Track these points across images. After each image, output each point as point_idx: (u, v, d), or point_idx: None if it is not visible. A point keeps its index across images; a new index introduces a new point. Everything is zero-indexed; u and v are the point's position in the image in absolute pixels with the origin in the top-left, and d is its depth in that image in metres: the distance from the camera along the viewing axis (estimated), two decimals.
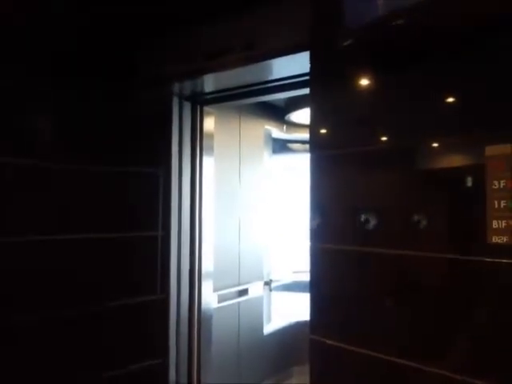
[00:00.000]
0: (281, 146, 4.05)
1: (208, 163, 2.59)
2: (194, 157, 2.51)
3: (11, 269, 1.86)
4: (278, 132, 3.80)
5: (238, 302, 3.19)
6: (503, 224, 1.17)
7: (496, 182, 1.20)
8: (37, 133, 1.96)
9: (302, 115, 3.51)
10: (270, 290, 3.75)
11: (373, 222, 1.49)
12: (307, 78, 1.79)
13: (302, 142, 4.04)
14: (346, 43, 1.55)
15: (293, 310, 3.94)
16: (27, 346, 1.90)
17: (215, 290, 2.75)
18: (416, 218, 1.38)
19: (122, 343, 2.21)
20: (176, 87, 2.32)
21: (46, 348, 1.95)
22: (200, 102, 2.51)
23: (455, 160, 1.37)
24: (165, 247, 2.39)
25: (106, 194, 2.18)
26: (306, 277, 3.83)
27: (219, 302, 2.90)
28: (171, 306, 2.39)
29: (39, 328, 1.93)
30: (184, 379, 2.44)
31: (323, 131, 1.68)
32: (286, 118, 3.68)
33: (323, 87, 1.66)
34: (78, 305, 2.06)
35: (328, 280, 1.62)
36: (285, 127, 3.83)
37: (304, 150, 4.05)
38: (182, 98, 2.43)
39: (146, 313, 2.33)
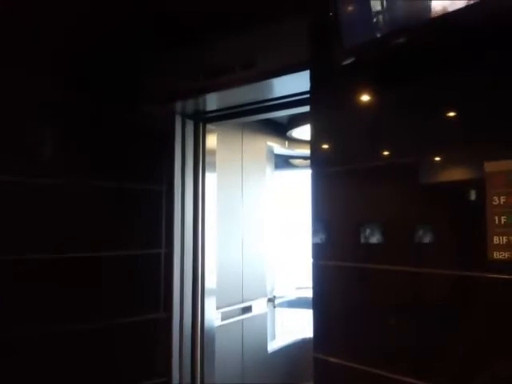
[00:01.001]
0: (283, 162, 4.07)
1: (210, 180, 2.60)
2: (196, 174, 2.53)
3: (15, 285, 1.87)
4: (280, 148, 3.82)
5: (242, 320, 3.17)
6: (504, 240, 1.17)
7: (496, 198, 1.20)
8: (39, 148, 1.99)
9: (304, 131, 3.53)
10: (274, 307, 3.72)
11: (374, 239, 1.49)
12: (308, 95, 1.82)
13: (304, 157, 4.06)
14: (345, 62, 1.57)
15: (297, 326, 3.90)
16: (29, 362, 1.89)
17: (218, 307, 2.73)
18: (418, 234, 1.38)
19: (124, 361, 2.19)
20: (178, 106, 2.36)
21: (48, 364, 1.94)
22: (202, 120, 2.54)
23: (456, 175, 1.38)
24: (168, 265, 2.39)
25: (107, 211, 2.19)
26: (309, 293, 3.79)
27: (222, 319, 2.88)
28: (174, 324, 2.37)
29: (40, 344, 1.93)
30: None
31: (324, 148, 1.70)
32: (288, 134, 3.71)
33: (323, 105, 1.68)
34: (80, 322, 2.05)
35: (331, 297, 1.62)
36: (287, 143, 3.85)
37: (306, 166, 4.06)
38: (185, 116, 2.46)
39: (149, 331, 2.32)
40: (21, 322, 1.88)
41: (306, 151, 3.87)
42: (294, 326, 3.93)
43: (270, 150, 3.76)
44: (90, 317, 2.09)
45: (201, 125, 2.54)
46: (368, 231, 1.51)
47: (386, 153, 1.53)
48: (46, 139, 2.01)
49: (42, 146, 1.98)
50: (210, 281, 2.56)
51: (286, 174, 4.15)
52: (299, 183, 4.13)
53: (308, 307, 3.70)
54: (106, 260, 2.17)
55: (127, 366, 2.20)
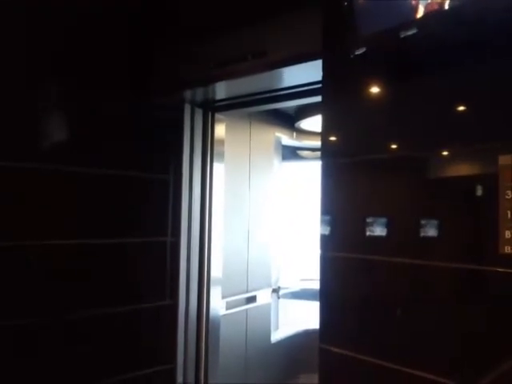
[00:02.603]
0: (291, 153, 4.05)
1: (218, 170, 2.60)
2: (204, 163, 2.53)
3: (21, 272, 1.88)
4: (287, 139, 3.80)
5: (246, 309, 3.18)
6: None
7: (509, 192, 1.19)
8: (50, 137, 1.99)
9: (313, 122, 3.51)
10: (278, 298, 3.73)
11: (384, 231, 1.49)
12: (319, 85, 1.80)
13: (312, 149, 4.04)
14: (358, 51, 1.55)
15: (301, 317, 3.91)
16: (37, 350, 1.91)
17: (223, 296, 2.74)
18: (428, 227, 1.37)
19: (130, 348, 2.22)
20: (188, 94, 2.35)
21: (54, 352, 1.97)
22: (212, 109, 2.53)
23: (468, 169, 1.37)
24: (174, 253, 2.40)
25: (114, 199, 2.20)
26: (314, 285, 3.81)
27: (227, 308, 2.90)
28: (180, 311, 2.39)
29: (46, 331, 1.95)
30: None
31: (335, 139, 1.68)
32: (296, 125, 3.69)
33: (335, 95, 1.67)
34: (86, 309, 2.07)
35: (338, 288, 1.62)
36: (295, 134, 3.84)
37: (314, 158, 4.05)
38: (194, 104, 2.46)
39: (155, 318, 2.34)
40: (28, 309, 1.90)
41: (314, 143, 3.87)
42: (298, 317, 3.95)
43: (278, 141, 3.75)
44: (95, 303, 2.11)
45: (210, 114, 2.54)
46: (377, 223, 1.50)
47: (397, 146, 1.51)
48: (53, 126, 2.01)
49: (47, 132, 1.98)
50: (216, 270, 2.57)
51: (294, 165, 4.13)
52: (306, 175, 4.12)
53: (312, 299, 3.73)
54: (113, 247, 2.18)
55: (133, 353, 2.23)
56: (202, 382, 2.48)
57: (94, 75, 2.11)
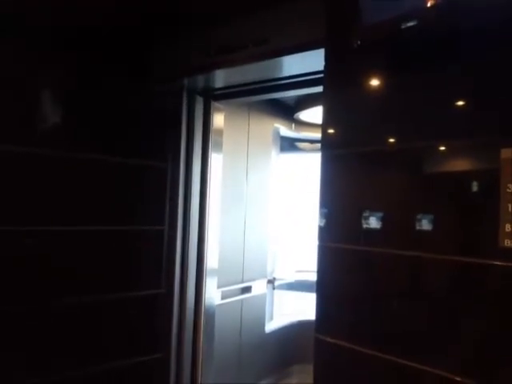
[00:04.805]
0: (289, 145, 4.03)
1: (216, 159, 2.58)
2: (204, 152, 2.51)
3: (17, 257, 1.87)
4: (286, 130, 3.78)
5: (241, 300, 3.19)
6: None
7: (510, 186, 1.18)
8: (51, 123, 1.97)
9: (311, 114, 3.49)
10: (273, 289, 3.74)
11: (383, 222, 1.48)
12: (320, 75, 1.78)
13: (311, 140, 4.03)
14: (361, 41, 1.54)
15: (295, 308, 3.93)
16: (30, 336, 1.91)
17: (219, 286, 2.74)
18: (428, 219, 1.36)
19: (123, 336, 2.21)
20: (186, 81, 2.32)
21: (48, 337, 1.96)
22: (211, 98, 2.50)
23: (469, 162, 1.36)
24: (170, 242, 2.39)
25: (110, 186, 2.19)
26: (309, 276, 3.81)
27: (222, 298, 2.90)
28: (175, 300, 2.39)
29: (40, 318, 1.94)
30: (186, 373, 2.44)
31: (335, 129, 1.67)
32: (295, 116, 3.67)
33: (337, 85, 1.65)
34: (81, 295, 2.06)
35: (335, 279, 1.62)
36: (293, 126, 3.82)
37: (312, 149, 4.03)
38: (194, 92, 2.43)
39: (150, 306, 2.34)
40: (24, 296, 1.89)
41: (313, 134, 3.85)
42: (292, 308, 3.97)
43: (277, 132, 3.73)
44: (91, 290, 2.10)
45: (208, 102, 2.51)
46: (377, 214, 1.49)
47: (399, 138, 1.50)
48: (51, 111, 1.98)
49: (46, 118, 1.96)
50: (212, 260, 2.57)
51: (291, 157, 4.12)
52: (304, 167, 4.11)
53: (307, 290, 3.74)
54: (108, 234, 2.17)
55: (126, 340, 2.23)
56: (199, 370, 2.48)
57: (94, 62, 2.08)
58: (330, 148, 1.66)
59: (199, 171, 2.49)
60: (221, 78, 2.26)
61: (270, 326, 3.60)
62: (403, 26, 1.44)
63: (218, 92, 2.45)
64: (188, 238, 2.45)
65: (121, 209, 2.22)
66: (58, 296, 1.99)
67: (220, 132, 2.61)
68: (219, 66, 2.05)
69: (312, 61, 1.80)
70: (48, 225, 1.95)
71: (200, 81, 2.31)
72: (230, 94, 2.41)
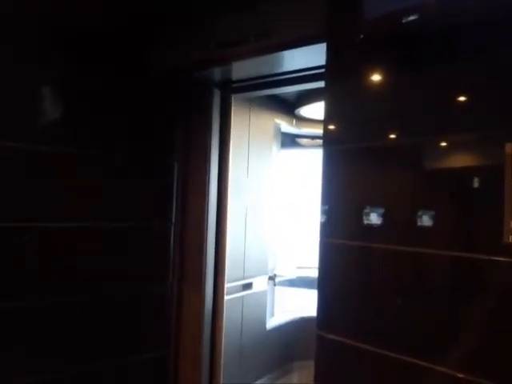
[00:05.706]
0: (290, 141, 4.01)
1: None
2: (205, 147, 2.50)
3: (22, 253, 1.87)
4: (287, 126, 3.76)
5: (242, 296, 3.18)
6: None
7: None
8: (49, 116, 1.95)
9: (312, 110, 3.47)
10: (274, 285, 3.73)
11: (385, 219, 1.47)
12: (321, 70, 1.77)
13: (312, 136, 4.01)
14: (363, 35, 1.52)
15: (296, 305, 3.93)
16: (29, 335, 1.90)
17: None
18: (431, 215, 1.35)
19: (129, 331, 2.21)
20: (197, 74, 2.29)
21: (60, 330, 1.97)
22: (222, 91, 2.48)
23: (472, 157, 1.35)
24: (176, 238, 2.41)
25: (119, 181, 2.19)
26: (310, 272, 3.79)
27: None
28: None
29: (48, 313, 1.94)
30: (189, 369, 2.43)
31: (337, 125, 1.66)
32: (296, 112, 3.65)
33: (339, 80, 1.64)
34: (88, 291, 2.07)
35: (336, 275, 1.61)
36: (294, 121, 3.79)
37: (313, 145, 4.01)
38: (196, 86, 2.41)
39: (156, 302, 2.34)
40: (32, 291, 1.90)
41: (314, 130, 3.83)
42: (293, 305, 3.96)
43: (277, 128, 3.70)
44: (98, 285, 2.11)
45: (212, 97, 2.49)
46: (379, 210, 1.48)
47: (401, 133, 1.49)
48: (58, 107, 1.97)
49: (52, 114, 1.95)
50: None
51: (292, 153, 4.10)
52: (305, 163, 4.10)
53: (308, 287, 3.73)
54: (116, 230, 2.17)
55: (132, 336, 2.23)
56: (198, 367, 2.48)
57: (97, 56, 2.07)
58: (331, 143, 1.65)
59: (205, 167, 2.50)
60: (219, 73, 2.24)
61: (271, 323, 3.59)
62: (405, 20, 1.42)
63: (236, 85, 2.42)
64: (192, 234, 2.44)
65: (126, 204, 2.21)
66: (66, 292, 1.99)
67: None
68: (219, 61, 2.03)
69: (314, 55, 1.78)
70: (50, 221, 1.95)
71: (203, 75, 2.28)
72: (230, 89, 2.39)
